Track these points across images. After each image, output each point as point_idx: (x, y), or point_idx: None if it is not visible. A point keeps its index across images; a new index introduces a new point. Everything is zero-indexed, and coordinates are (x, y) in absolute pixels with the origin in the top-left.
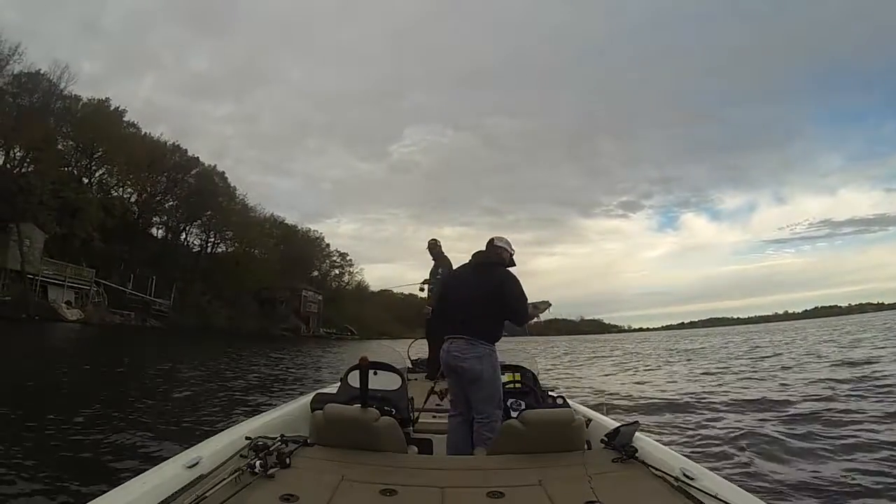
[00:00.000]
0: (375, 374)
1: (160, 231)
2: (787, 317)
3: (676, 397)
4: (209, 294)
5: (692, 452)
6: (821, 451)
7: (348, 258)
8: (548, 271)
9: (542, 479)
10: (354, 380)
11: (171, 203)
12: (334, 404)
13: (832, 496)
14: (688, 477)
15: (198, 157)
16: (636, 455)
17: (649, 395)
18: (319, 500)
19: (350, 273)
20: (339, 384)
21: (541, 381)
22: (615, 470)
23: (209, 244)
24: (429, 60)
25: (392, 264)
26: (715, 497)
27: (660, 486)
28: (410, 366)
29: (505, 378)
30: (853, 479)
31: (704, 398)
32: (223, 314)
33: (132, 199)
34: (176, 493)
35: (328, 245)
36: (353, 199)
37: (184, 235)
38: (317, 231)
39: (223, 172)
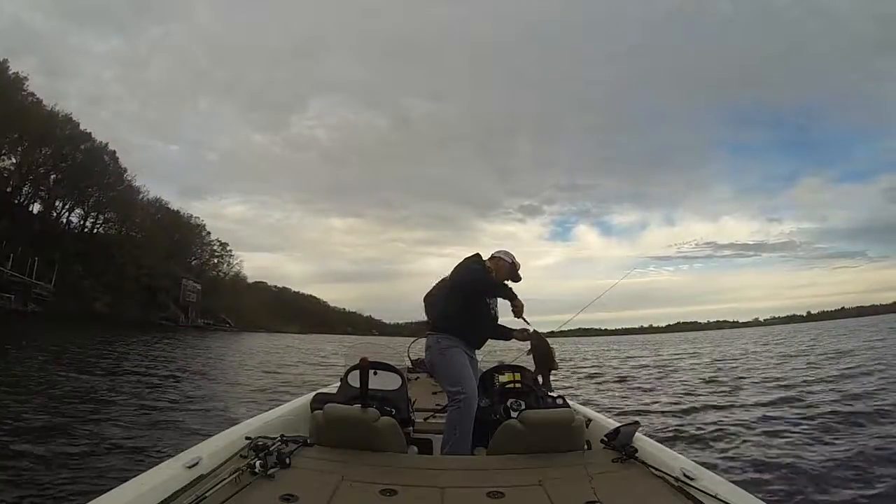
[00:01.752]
0: (375, 374)
1: (36, 206)
2: (650, 330)
3: None
4: (90, 278)
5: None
6: (822, 450)
7: (228, 248)
8: (434, 273)
9: (542, 479)
10: (354, 380)
11: (54, 177)
12: (334, 404)
13: (831, 495)
14: (688, 477)
15: (90, 133)
16: (636, 455)
17: None
18: (319, 500)
19: (229, 263)
20: (339, 384)
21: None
22: (615, 470)
23: (93, 225)
24: (359, 21)
25: (275, 253)
26: (715, 497)
27: (660, 486)
28: (410, 366)
29: (505, 378)
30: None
31: None
32: (104, 300)
33: (10, 169)
34: (176, 493)
35: (209, 233)
36: (240, 174)
37: (66, 214)
38: (198, 218)
39: (114, 152)
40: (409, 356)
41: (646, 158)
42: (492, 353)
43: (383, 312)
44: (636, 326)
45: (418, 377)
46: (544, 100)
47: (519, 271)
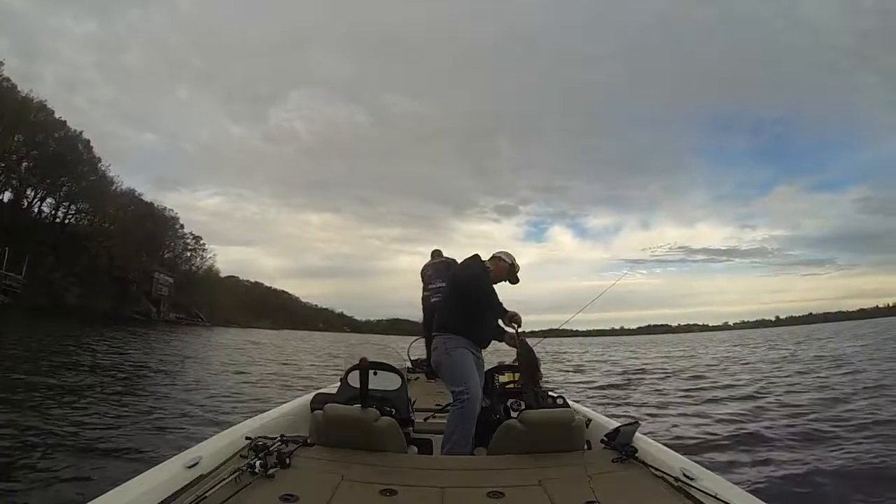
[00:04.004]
0: (375, 374)
1: (7, 195)
2: (621, 332)
3: None
4: (61, 270)
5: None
6: (820, 450)
7: (202, 242)
8: (406, 271)
9: (542, 479)
10: (354, 380)
11: (26, 165)
12: (334, 404)
13: (832, 495)
14: (688, 477)
15: (65, 121)
16: (636, 455)
17: None
18: (319, 500)
19: (202, 257)
20: (339, 384)
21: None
22: (615, 470)
23: (65, 216)
24: (344, 15)
25: (249, 248)
26: (715, 497)
27: (660, 486)
28: (410, 366)
29: (505, 378)
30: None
31: None
32: (74, 292)
33: None
34: (176, 493)
35: (182, 226)
36: (216, 166)
37: (38, 204)
38: (172, 210)
39: (88, 141)
40: (409, 356)
41: (624, 162)
42: (494, 352)
43: (355, 309)
44: (608, 328)
45: (418, 377)
46: (526, 100)
47: (517, 273)
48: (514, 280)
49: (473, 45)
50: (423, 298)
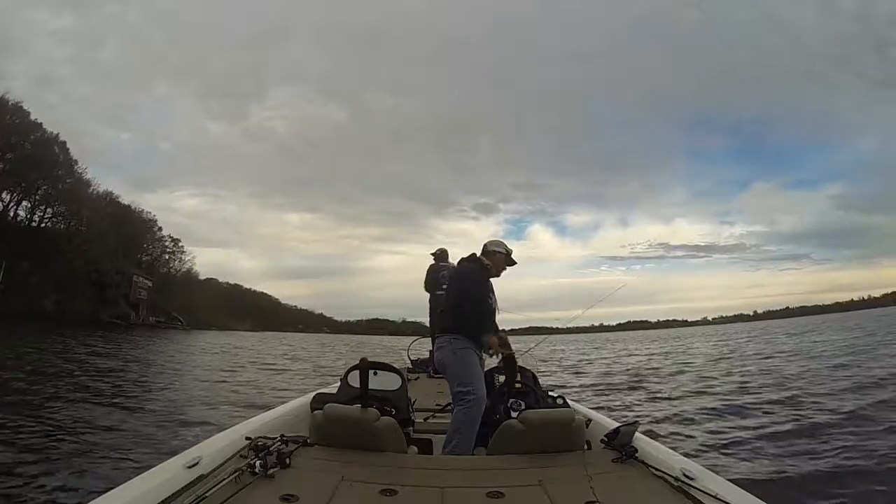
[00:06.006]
0: (375, 374)
1: None
2: (601, 328)
3: None
4: (37, 274)
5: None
6: (819, 450)
7: (180, 244)
8: (385, 270)
9: (542, 479)
10: (354, 380)
11: (0, 167)
12: (334, 404)
13: (832, 494)
14: (688, 477)
15: (41, 123)
16: (636, 455)
17: None
18: (319, 500)
19: (181, 259)
20: (339, 384)
21: (540, 381)
22: (615, 470)
23: (41, 219)
24: (324, 10)
25: (228, 249)
26: (715, 497)
27: (660, 486)
28: (410, 366)
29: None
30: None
31: None
32: (52, 297)
33: None
34: (176, 493)
35: (160, 228)
36: (195, 166)
37: (13, 207)
38: (150, 212)
39: (65, 143)
40: (409, 356)
41: (604, 160)
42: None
43: (334, 309)
44: (587, 325)
45: (418, 377)
46: (507, 99)
47: (512, 255)
48: (512, 262)
49: (454, 42)
50: (432, 300)
